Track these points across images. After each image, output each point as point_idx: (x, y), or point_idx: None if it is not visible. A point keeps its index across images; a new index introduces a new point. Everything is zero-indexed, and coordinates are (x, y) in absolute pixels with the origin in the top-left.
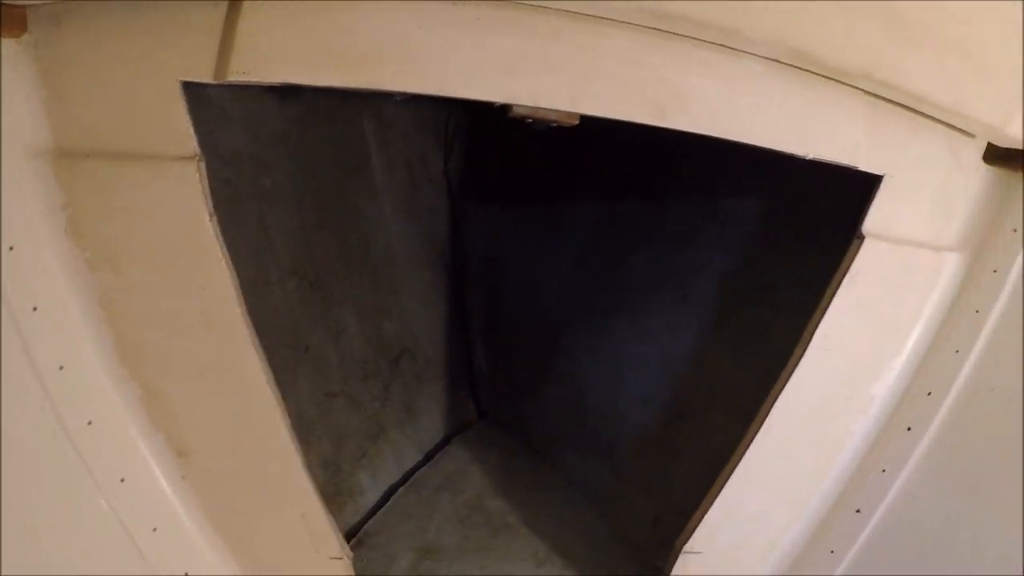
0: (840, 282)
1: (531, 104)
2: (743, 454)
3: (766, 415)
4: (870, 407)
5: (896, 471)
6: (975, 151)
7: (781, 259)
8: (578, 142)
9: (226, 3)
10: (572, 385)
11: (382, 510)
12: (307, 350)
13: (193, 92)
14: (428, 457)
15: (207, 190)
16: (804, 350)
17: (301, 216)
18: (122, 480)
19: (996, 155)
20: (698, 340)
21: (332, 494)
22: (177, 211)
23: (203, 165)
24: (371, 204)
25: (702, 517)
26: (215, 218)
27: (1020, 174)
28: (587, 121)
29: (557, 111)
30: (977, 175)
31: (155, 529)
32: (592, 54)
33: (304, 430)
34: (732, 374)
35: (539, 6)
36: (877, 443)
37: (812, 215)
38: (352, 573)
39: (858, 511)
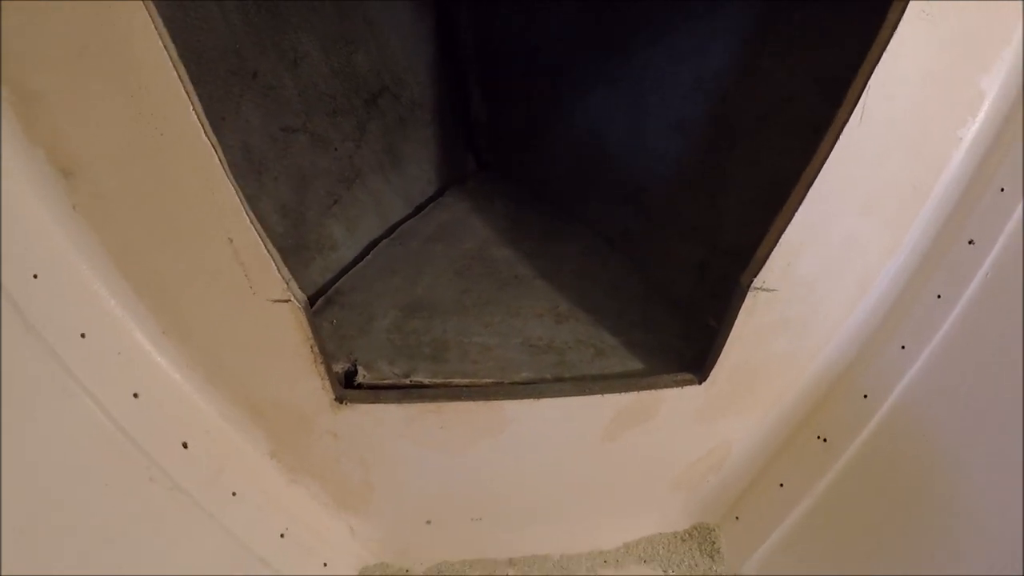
0: None
1: None
2: (825, 157)
3: (856, 100)
4: (980, 106)
5: (1016, 189)
6: None
7: None
8: None
9: None
10: (587, 123)
11: (359, 265)
12: (255, 76)
13: None
14: (419, 209)
15: None
16: (900, 16)
17: None
18: None
19: None
20: (739, 51)
21: (293, 247)
22: None
23: None
24: None
25: (774, 245)
26: None
27: None
28: None
29: None
30: None
31: (36, 276)
32: None
33: (254, 167)
34: (786, 85)
35: None
36: (990, 154)
37: None
38: (303, 321)
39: (971, 242)
